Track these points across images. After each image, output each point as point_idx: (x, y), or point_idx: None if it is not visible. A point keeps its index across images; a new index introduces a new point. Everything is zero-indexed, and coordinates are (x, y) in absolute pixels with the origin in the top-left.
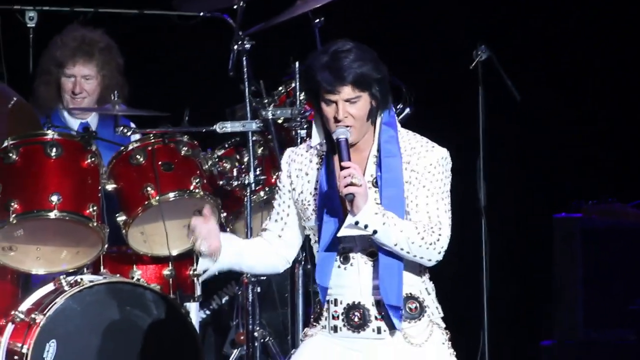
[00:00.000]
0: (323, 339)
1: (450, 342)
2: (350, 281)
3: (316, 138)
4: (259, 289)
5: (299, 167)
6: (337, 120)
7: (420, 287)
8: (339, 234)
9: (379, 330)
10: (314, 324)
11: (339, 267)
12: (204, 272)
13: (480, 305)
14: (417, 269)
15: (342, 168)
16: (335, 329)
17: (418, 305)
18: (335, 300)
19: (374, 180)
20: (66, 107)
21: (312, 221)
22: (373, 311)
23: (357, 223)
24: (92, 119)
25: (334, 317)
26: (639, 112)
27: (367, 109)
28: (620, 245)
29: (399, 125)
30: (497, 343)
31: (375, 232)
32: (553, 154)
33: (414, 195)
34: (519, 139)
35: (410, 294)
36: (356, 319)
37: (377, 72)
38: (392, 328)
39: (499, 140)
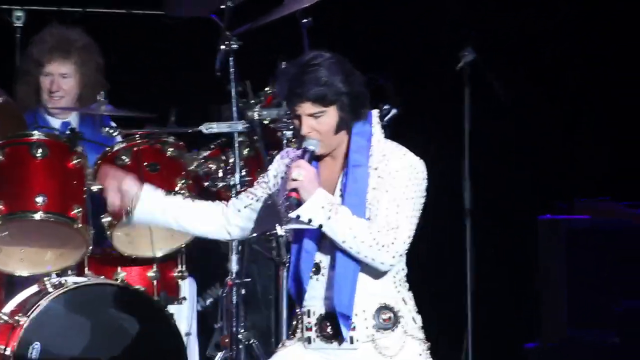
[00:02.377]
0: (297, 349)
1: (428, 352)
2: (322, 292)
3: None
4: (243, 291)
5: (285, 169)
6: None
7: (396, 297)
8: (283, 227)
9: (351, 340)
10: (292, 336)
11: (310, 277)
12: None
13: (464, 307)
14: (392, 278)
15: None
16: (309, 340)
17: (392, 315)
18: (309, 311)
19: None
20: (46, 107)
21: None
22: None
23: (298, 217)
24: (73, 119)
25: (307, 329)
26: (625, 113)
27: (333, 123)
28: (605, 247)
29: (379, 133)
30: (481, 345)
31: (320, 226)
32: (538, 156)
33: (377, 199)
34: (504, 141)
35: (385, 304)
36: (329, 330)
37: (346, 86)
38: (364, 337)
39: (484, 142)
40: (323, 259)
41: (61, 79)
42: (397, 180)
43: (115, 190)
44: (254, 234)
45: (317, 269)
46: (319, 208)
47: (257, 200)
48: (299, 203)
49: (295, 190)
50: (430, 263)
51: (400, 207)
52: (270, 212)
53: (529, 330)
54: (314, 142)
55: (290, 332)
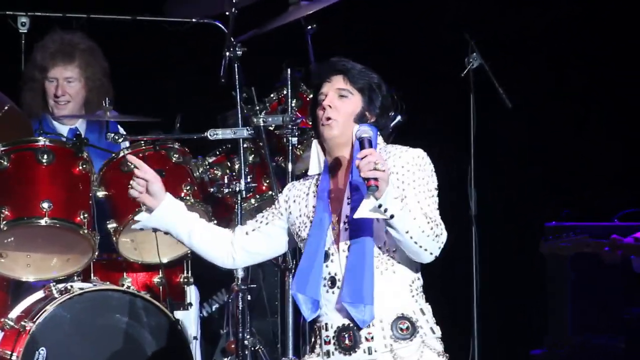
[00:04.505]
0: None
1: None
2: (339, 305)
3: (314, 168)
4: (249, 297)
5: (298, 193)
6: (324, 116)
7: (414, 307)
8: (356, 216)
9: (369, 351)
10: (310, 354)
11: (327, 291)
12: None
13: (470, 313)
14: (409, 287)
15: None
16: (328, 353)
17: (410, 325)
18: (326, 325)
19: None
20: (53, 114)
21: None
22: (363, 332)
23: (380, 206)
24: (80, 125)
25: (325, 342)
26: (632, 118)
27: (354, 110)
28: None
29: (381, 142)
30: (487, 351)
31: (392, 216)
32: (544, 162)
33: (402, 195)
34: (510, 147)
35: (402, 314)
36: (347, 342)
37: (377, 86)
38: (382, 347)
39: (490, 149)
40: (338, 272)
41: (66, 84)
42: (413, 173)
43: (143, 185)
44: (260, 260)
45: (333, 282)
46: (393, 199)
47: (266, 224)
48: (377, 190)
49: (374, 179)
50: (436, 269)
51: (428, 200)
52: (279, 236)
53: (536, 336)
54: (365, 129)
55: (309, 348)
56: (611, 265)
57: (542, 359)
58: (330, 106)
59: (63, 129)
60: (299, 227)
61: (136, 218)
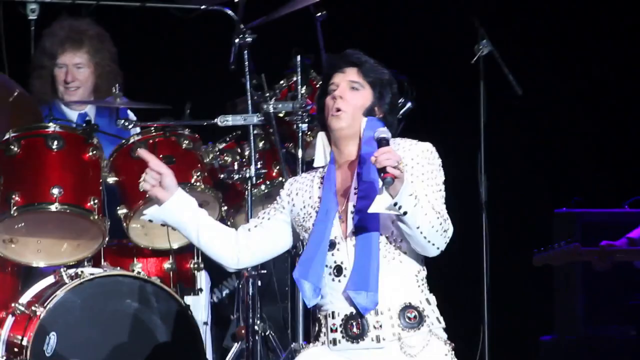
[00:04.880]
0: (322, 351)
1: (453, 353)
2: (345, 293)
3: (320, 160)
4: (259, 283)
5: (301, 186)
6: (333, 107)
7: (420, 297)
8: (370, 210)
9: (377, 339)
10: (315, 342)
11: (332, 280)
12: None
13: (480, 299)
14: (414, 278)
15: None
16: (334, 342)
17: (417, 314)
18: (333, 313)
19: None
20: (62, 99)
21: None
22: (371, 320)
23: (396, 204)
24: (90, 111)
25: (332, 330)
26: None
27: (364, 104)
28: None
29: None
30: (497, 338)
31: (405, 213)
32: (554, 149)
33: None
34: (520, 134)
35: (410, 303)
36: (355, 330)
37: (388, 78)
38: (390, 336)
39: (500, 135)
40: (345, 261)
41: (75, 70)
42: (422, 167)
43: (157, 178)
44: (264, 259)
45: (339, 270)
46: (408, 196)
47: (268, 219)
48: (392, 183)
49: (387, 172)
50: (445, 257)
51: (436, 194)
52: (282, 231)
53: (545, 323)
54: (384, 130)
55: (313, 337)
56: (603, 272)
57: (552, 345)
58: (341, 97)
59: (73, 115)
60: (303, 217)
61: (145, 211)
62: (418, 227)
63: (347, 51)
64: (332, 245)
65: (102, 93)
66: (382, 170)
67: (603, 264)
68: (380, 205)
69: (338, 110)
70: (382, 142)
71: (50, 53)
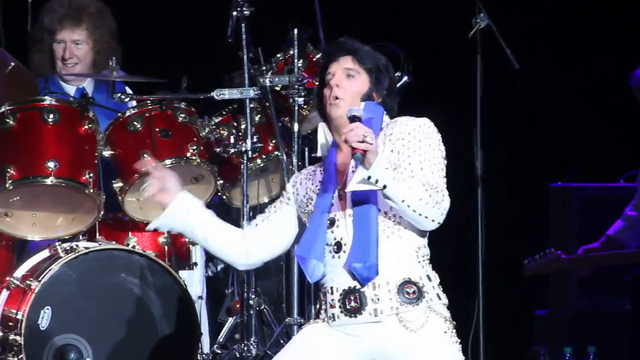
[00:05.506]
0: (321, 327)
1: (454, 332)
2: (344, 269)
3: (322, 150)
4: None
5: (304, 176)
6: (331, 96)
7: (420, 273)
8: (348, 189)
9: (375, 313)
10: (316, 319)
11: (332, 257)
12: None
13: (475, 273)
14: (415, 254)
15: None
16: (333, 317)
17: (416, 290)
18: (332, 288)
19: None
20: (60, 74)
21: None
22: (369, 294)
23: (369, 178)
24: (88, 85)
25: (331, 306)
26: None
27: (361, 89)
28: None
29: (387, 119)
30: (491, 312)
31: (384, 186)
32: (550, 123)
33: (407, 162)
34: (517, 108)
35: (409, 278)
36: (353, 303)
37: (384, 63)
38: (388, 310)
39: (496, 109)
40: (344, 236)
41: (74, 46)
42: (419, 141)
43: (157, 184)
44: (275, 253)
45: (339, 247)
46: (384, 169)
47: (275, 212)
48: (364, 159)
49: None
50: (441, 230)
51: (432, 167)
52: (289, 222)
53: (540, 297)
54: (356, 108)
55: (315, 314)
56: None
57: (547, 319)
58: (337, 85)
59: (70, 89)
60: (306, 202)
61: (151, 223)
62: (403, 201)
63: (341, 39)
64: (332, 222)
65: (100, 68)
66: (353, 148)
67: (584, 271)
68: (355, 181)
69: (336, 98)
70: (353, 120)
71: (48, 29)
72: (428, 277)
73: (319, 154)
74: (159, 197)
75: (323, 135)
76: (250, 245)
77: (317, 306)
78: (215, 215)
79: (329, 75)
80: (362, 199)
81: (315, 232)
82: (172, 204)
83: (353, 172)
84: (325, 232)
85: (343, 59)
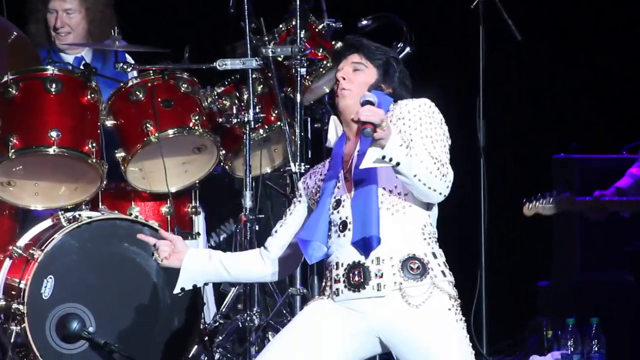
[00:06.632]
0: (325, 303)
1: (459, 309)
2: (349, 245)
3: (332, 138)
4: (257, 227)
5: (314, 171)
6: (339, 88)
7: (426, 249)
8: (361, 167)
9: (378, 287)
10: (321, 296)
11: (338, 236)
12: (181, 289)
13: (478, 245)
14: (420, 231)
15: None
16: (337, 292)
17: (420, 265)
18: (337, 263)
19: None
20: (55, 44)
21: None
22: (373, 268)
23: (383, 157)
24: (86, 54)
25: (335, 281)
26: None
27: (368, 80)
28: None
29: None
30: (494, 283)
31: (398, 163)
32: (553, 95)
33: (408, 140)
34: (519, 79)
35: (414, 254)
36: (357, 278)
37: (392, 55)
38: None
39: (499, 80)
40: (349, 215)
41: (65, 15)
42: (420, 119)
43: (169, 247)
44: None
45: (344, 225)
46: (398, 147)
47: (290, 214)
48: (372, 134)
49: (370, 123)
50: (443, 202)
51: (435, 144)
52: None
53: (542, 268)
54: (370, 94)
55: (320, 290)
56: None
57: (549, 290)
58: (344, 78)
59: (69, 59)
60: (315, 192)
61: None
62: (415, 175)
63: (347, 37)
64: (338, 203)
65: (96, 37)
66: (363, 124)
67: (596, 214)
68: (369, 160)
69: (343, 89)
70: (365, 104)
71: None
72: (433, 254)
73: (328, 144)
74: (171, 261)
75: (334, 127)
76: (272, 253)
77: (323, 283)
78: (224, 252)
79: (338, 72)
80: (363, 177)
81: (319, 215)
82: (184, 264)
83: (359, 152)
84: (329, 215)
85: (350, 56)
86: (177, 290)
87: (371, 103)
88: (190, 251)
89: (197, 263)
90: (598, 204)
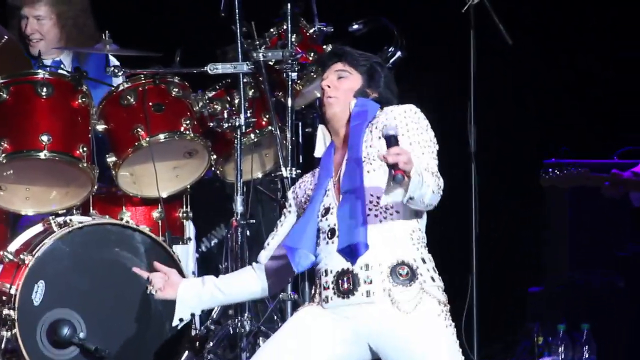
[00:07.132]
0: (314, 310)
1: (448, 315)
2: (338, 253)
3: (320, 150)
4: (248, 232)
5: (303, 180)
6: (325, 97)
7: (415, 255)
8: (383, 201)
9: (368, 294)
10: (310, 303)
11: (327, 243)
12: (180, 319)
13: (469, 251)
14: (409, 236)
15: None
16: (326, 299)
17: (409, 271)
18: (326, 270)
19: None
20: (31, 50)
21: None
22: (362, 275)
23: (411, 198)
24: (65, 58)
25: (325, 288)
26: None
27: (353, 86)
28: None
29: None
30: (485, 289)
31: (412, 198)
32: (544, 100)
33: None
34: (510, 84)
35: (402, 260)
36: (345, 285)
37: (376, 61)
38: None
39: (490, 85)
40: (337, 222)
41: (36, 22)
42: (406, 125)
43: (163, 279)
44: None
45: (332, 232)
46: (420, 187)
47: (281, 226)
48: (404, 180)
49: (397, 167)
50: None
51: (424, 149)
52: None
53: (534, 274)
54: (392, 127)
55: (310, 298)
56: (610, 199)
57: (540, 296)
58: (329, 86)
59: (45, 62)
60: (304, 201)
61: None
62: (423, 201)
63: (331, 47)
64: (327, 211)
65: (72, 42)
66: (393, 167)
67: (613, 190)
68: (396, 199)
69: (329, 97)
70: (390, 140)
71: (12, 4)
72: (423, 259)
73: (316, 154)
74: (165, 292)
75: (322, 136)
76: (264, 270)
77: (312, 291)
78: (215, 277)
79: (323, 81)
80: (351, 185)
81: (306, 223)
82: (180, 295)
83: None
84: (316, 223)
85: (334, 65)
86: (175, 322)
87: (395, 138)
88: (185, 281)
89: (192, 291)
90: (614, 179)
